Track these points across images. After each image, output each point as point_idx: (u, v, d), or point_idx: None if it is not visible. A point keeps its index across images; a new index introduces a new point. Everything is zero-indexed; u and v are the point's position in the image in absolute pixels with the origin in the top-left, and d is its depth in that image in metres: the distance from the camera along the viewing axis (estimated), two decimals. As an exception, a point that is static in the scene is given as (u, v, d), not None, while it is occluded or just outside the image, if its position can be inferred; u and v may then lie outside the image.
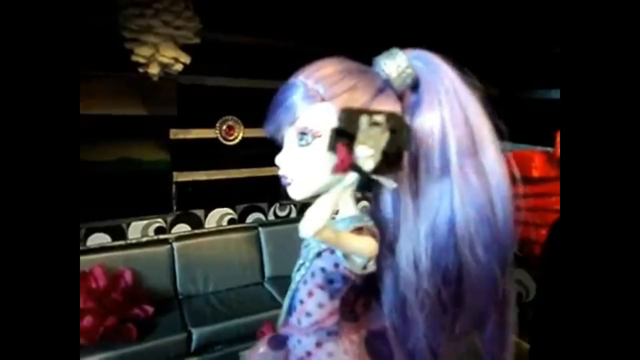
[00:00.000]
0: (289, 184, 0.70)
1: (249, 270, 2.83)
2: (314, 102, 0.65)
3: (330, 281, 0.71)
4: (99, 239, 2.66)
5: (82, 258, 2.42)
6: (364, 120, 0.57)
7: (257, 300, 2.61)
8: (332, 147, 0.59)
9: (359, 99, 0.65)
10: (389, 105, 0.66)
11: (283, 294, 2.81)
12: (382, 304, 0.74)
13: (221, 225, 3.05)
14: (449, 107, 0.66)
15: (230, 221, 3.10)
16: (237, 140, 3.01)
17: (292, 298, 0.77)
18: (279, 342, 0.81)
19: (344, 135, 0.57)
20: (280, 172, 0.72)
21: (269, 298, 2.67)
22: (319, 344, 0.73)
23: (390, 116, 0.59)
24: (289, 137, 0.69)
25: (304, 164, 0.68)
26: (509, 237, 0.65)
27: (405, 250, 0.68)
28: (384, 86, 0.68)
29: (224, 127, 2.97)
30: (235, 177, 3.06)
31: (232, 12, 2.57)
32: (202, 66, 2.16)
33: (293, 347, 0.76)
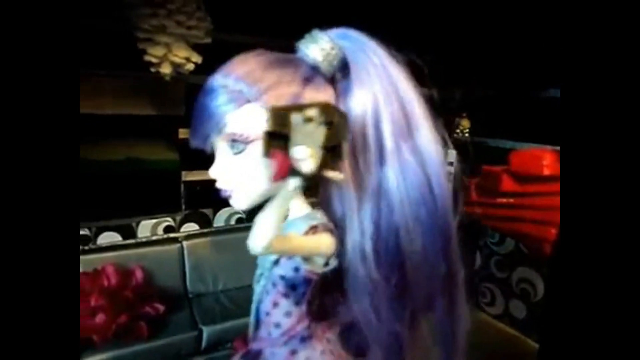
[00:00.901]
0: (230, 195, 0.66)
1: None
2: (238, 105, 0.59)
3: (292, 287, 0.69)
4: (110, 237, 2.69)
5: (94, 256, 2.45)
6: (295, 117, 0.51)
7: (266, 299, 2.63)
8: (267, 153, 0.52)
9: (286, 94, 0.60)
10: (321, 94, 0.62)
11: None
12: (347, 297, 0.72)
13: (231, 224, 3.06)
14: (379, 84, 0.63)
15: (239, 220, 3.11)
16: (245, 140, 3.03)
17: (257, 310, 0.74)
18: (253, 357, 0.78)
19: (277, 138, 0.51)
20: (218, 185, 0.67)
21: (278, 296, 2.69)
22: (293, 352, 0.71)
23: (324, 108, 0.53)
24: (220, 146, 0.64)
25: (240, 172, 0.63)
26: (447, 216, 0.64)
27: (351, 242, 0.65)
28: (312, 74, 0.63)
29: (232, 126, 2.98)
30: (243, 176, 3.08)
31: (239, 11, 2.58)
32: (210, 66, 2.16)
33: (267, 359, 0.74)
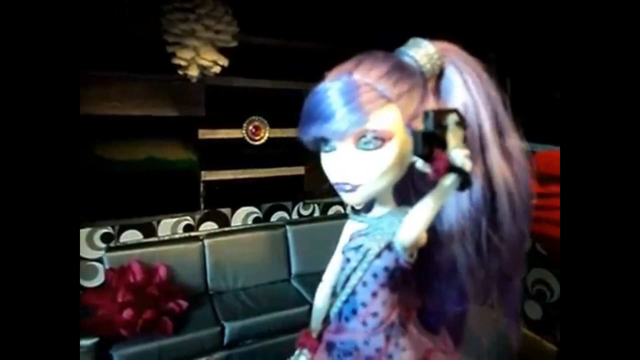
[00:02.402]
0: (352, 190, 0.68)
1: (276, 267, 2.90)
2: (380, 105, 0.63)
3: (391, 277, 0.72)
4: (132, 235, 2.75)
5: (118, 254, 2.51)
6: (450, 120, 0.56)
7: (285, 297, 2.67)
8: (423, 151, 0.56)
9: (416, 98, 0.65)
10: (432, 100, 0.68)
11: (309, 290, 2.87)
12: (418, 282, 0.79)
13: (248, 224, 3.12)
14: (477, 93, 0.68)
15: (256, 219, 3.16)
16: (263, 140, 3.08)
17: (347, 302, 0.76)
18: (331, 348, 0.81)
19: (432, 139, 0.55)
20: (339, 179, 0.69)
21: (296, 294, 2.73)
22: (388, 339, 0.74)
23: (459, 112, 0.58)
24: (345, 141, 0.66)
25: (373, 168, 0.66)
26: (529, 208, 0.71)
27: (454, 229, 0.71)
28: (424, 79, 0.68)
29: (251, 127, 3.04)
30: (260, 177, 3.13)
31: (259, 14, 2.63)
32: (229, 68, 2.22)
33: (356, 349, 0.76)
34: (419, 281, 0.79)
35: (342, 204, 3.52)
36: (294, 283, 2.89)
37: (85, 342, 1.99)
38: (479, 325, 0.79)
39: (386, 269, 0.72)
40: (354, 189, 0.68)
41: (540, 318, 2.73)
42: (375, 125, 0.64)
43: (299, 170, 3.23)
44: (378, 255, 0.71)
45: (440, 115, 0.57)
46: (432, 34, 0.73)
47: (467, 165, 0.55)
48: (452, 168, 0.56)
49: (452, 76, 0.70)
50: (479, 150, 0.68)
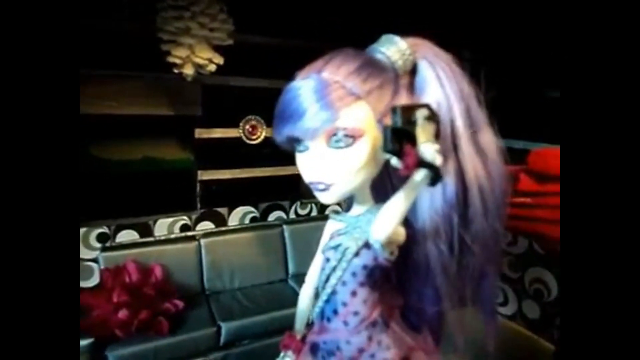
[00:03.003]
0: (325, 189, 0.68)
1: (273, 267, 2.89)
2: (349, 102, 0.63)
3: (370, 275, 0.72)
4: (128, 235, 2.73)
5: (114, 254, 2.50)
6: (419, 115, 0.55)
7: (282, 297, 2.66)
8: (392, 148, 0.56)
9: (387, 94, 0.65)
10: (405, 96, 0.67)
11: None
12: (398, 283, 0.79)
13: (245, 223, 3.11)
14: (449, 88, 0.68)
15: (253, 219, 3.15)
16: (259, 140, 3.07)
17: (328, 302, 0.76)
18: (315, 349, 0.82)
19: (401, 134, 0.55)
20: (312, 179, 0.69)
21: (293, 294, 2.72)
22: (370, 338, 0.74)
23: (430, 107, 0.58)
24: (317, 140, 0.66)
25: (344, 166, 0.66)
26: (503, 204, 0.71)
27: (427, 227, 0.70)
28: (396, 77, 0.68)
29: (247, 126, 3.02)
30: (257, 176, 3.11)
31: (255, 13, 2.62)
32: (226, 67, 2.21)
33: (337, 349, 0.76)
34: (399, 279, 0.79)
35: (339, 203, 3.50)
36: (291, 283, 2.87)
37: (80, 343, 1.98)
38: (457, 323, 0.79)
39: (365, 267, 0.71)
40: (327, 187, 0.68)
41: (538, 317, 2.72)
42: (345, 123, 0.63)
43: (296, 169, 3.20)
44: (356, 254, 0.71)
45: (408, 110, 0.56)
46: (414, 31, 0.72)
47: (437, 159, 0.55)
48: (422, 163, 0.55)
49: (425, 72, 0.69)
50: (451, 146, 0.67)
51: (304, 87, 0.64)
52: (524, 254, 2.79)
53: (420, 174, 0.56)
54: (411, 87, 0.71)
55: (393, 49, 0.68)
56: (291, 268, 2.96)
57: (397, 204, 0.58)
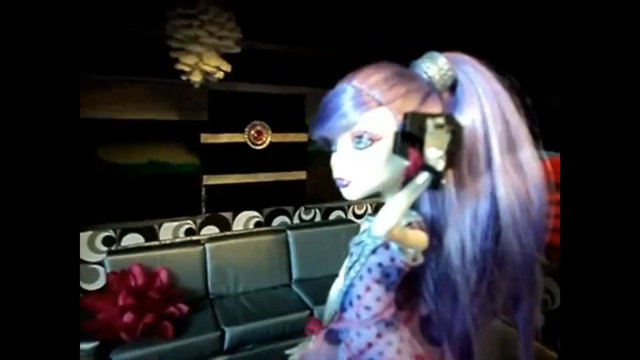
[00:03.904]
0: (346, 185, 0.74)
1: (277, 271, 2.90)
2: (370, 108, 0.68)
3: (386, 275, 0.75)
4: (133, 239, 2.76)
5: (119, 257, 2.52)
6: (430, 123, 0.59)
7: (286, 302, 2.67)
8: (400, 150, 0.61)
9: (411, 103, 0.69)
10: (436, 107, 0.70)
11: (310, 295, 2.86)
12: (424, 291, 0.79)
13: (249, 228, 3.13)
14: (488, 105, 0.69)
15: (257, 224, 3.17)
16: (265, 145, 3.09)
17: (346, 294, 0.81)
18: (332, 337, 0.86)
19: (410, 139, 0.60)
20: (336, 175, 0.75)
21: (297, 299, 2.73)
22: (379, 335, 0.77)
23: (449, 118, 0.61)
24: (343, 141, 0.72)
25: (362, 166, 0.71)
26: (543, 224, 0.70)
27: (453, 239, 0.71)
28: (430, 90, 0.72)
29: (253, 132, 3.05)
30: (262, 181, 3.13)
31: (262, 20, 2.65)
32: (232, 73, 2.24)
33: (350, 340, 0.79)
34: (426, 289, 0.80)
35: (343, 209, 3.52)
36: (295, 288, 2.88)
37: (85, 346, 2.00)
38: (485, 350, 0.78)
39: (380, 265, 0.75)
40: (347, 184, 0.74)
41: (542, 326, 2.72)
42: (366, 127, 0.69)
43: (301, 174, 3.24)
44: (374, 251, 0.76)
45: (419, 117, 0.60)
46: (440, 44, 0.75)
47: (438, 164, 0.58)
48: (425, 167, 0.58)
49: (465, 88, 0.72)
50: (485, 164, 0.68)
51: (335, 93, 0.72)
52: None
53: (422, 177, 0.59)
54: (452, 103, 0.73)
55: (431, 66, 0.72)
56: (295, 273, 2.97)
57: (396, 204, 0.60)
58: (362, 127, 0.69)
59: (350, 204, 3.50)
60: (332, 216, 3.47)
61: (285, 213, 3.30)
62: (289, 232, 3.02)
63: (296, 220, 3.33)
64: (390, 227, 0.59)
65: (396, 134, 0.62)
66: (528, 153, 0.69)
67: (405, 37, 2.64)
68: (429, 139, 0.58)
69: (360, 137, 0.70)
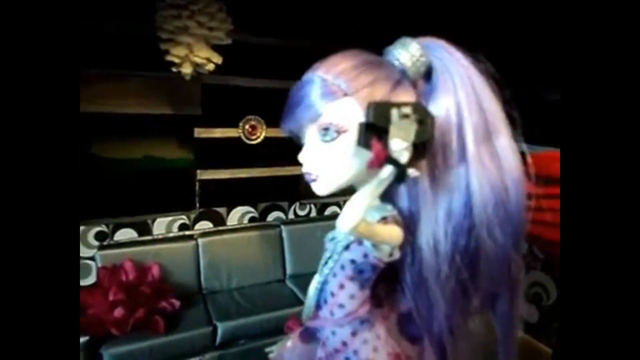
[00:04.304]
0: (314, 180, 0.70)
1: (271, 267, 2.88)
2: (336, 98, 0.65)
3: (360, 272, 0.72)
4: (126, 234, 2.74)
5: (112, 252, 2.50)
6: (394, 113, 0.56)
7: (279, 297, 2.65)
8: (364, 142, 0.58)
9: (379, 92, 0.65)
10: (407, 96, 0.67)
11: (304, 291, 2.83)
12: (404, 287, 0.76)
13: (244, 223, 3.11)
14: (464, 93, 0.66)
15: (252, 219, 3.15)
16: (259, 140, 3.07)
17: (321, 291, 0.78)
18: (309, 335, 0.83)
19: (374, 130, 0.57)
20: (304, 169, 0.71)
21: (291, 295, 2.71)
22: (354, 334, 0.74)
23: (416, 107, 0.58)
24: (311, 134, 0.69)
25: (329, 159, 0.68)
26: (521, 219, 0.67)
27: (425, 235, 0.69)
28: (401, 77, 0.68)
29: (247, 126, 3.02)
30: (257, 176, 3.11)
31: (256, 13, 2.62)
32: (226, 67, 2.22)
33: (326, 338, 0.77)
34: (404, 285, 0.77)
35: (338, 204, 3.50)
36: (289, 283, 2.87)
37: (75, 341, 1.98)
38: (464, 347, 0.75)
39: (353, 261, 0.72)
40: (315, 178, 0.70)
41: (536, 321, 2.70)
42: (331, 118, 0.66)
43: (296, 170, 3.20)
44: (347, 247, 0.73)
45: (382, 107, 0.57)
46: (427, 32, 0.71)
47: (402, 157, 0.56)
48: (389, 159, 0.56)
49: (438, 75, 0.69)
50: (459, 154, 0.66)
51: (299, 85, 0.69)
52: (523, 257, 2.77)
53: (386, 170, 0.57)
54: (425, 91, 0.70)
55: (404, 52, 0.69)
56: (289, 268, 2.96)
57: (360, 198, 0.58)
58: (328, 118, 0.65)
59: (345, 199, 3.46)
60: (328, 211, 3.45)
61: (280, 208, 3.28)
62: (282, 227, 3.01)
63: (291, 216, 3.31)
64: (354, 224, 0.56)
65: (360, 125, 0.59)
66: (505, 142, 0.67)
67: (400, 30, 2.62)
68: (393, 130, 0.56)
69: (326, 129, 0.66)
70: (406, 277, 0.76)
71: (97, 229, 2.66)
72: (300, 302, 2.59)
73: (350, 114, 0.65)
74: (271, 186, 3.17)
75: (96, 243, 2.63)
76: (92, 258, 2.57)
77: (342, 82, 0.65)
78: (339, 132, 0.66)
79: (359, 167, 0.69)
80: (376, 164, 0.56)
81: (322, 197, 3.50)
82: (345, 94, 0.65)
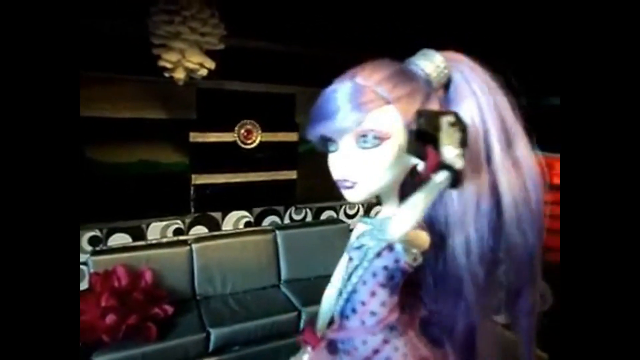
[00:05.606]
0: (351, 187, 0.71)
1: (265, 272, 2.86)
2: (378, 106, 0.66)
3: (391, 277, 0.74)
4: (120, 239, 2.72)
5: (104, 257, 2.48)
6: (444, 121, 0.58)
7: (274, 303, 2.64)
8: (415, 150, 0.60)
9: (417, 101, 0.68)
10: (436, 105, 0.70)
11: (299, 296, 2.82)
12: (422, 292, 0.79)
13: (239, 228, 3.09)
14: (486, 103, 0.70)
15: (247, 224, 3.14)
16: (254, 144, 3.06)
17: (347, 301, 0.78)
18: (332, 347, 0.83)
19: (425, 137, 0.58)
20: (339, 176, 0.72)
21: (285, 300, 2.69)
22: (386, 341, 0.75)
23: (457, 115, 0.61)
24: (347, 140, 0.70)
25: (369, 166, 0.69)
26: (542, 219, 0.71)
27: (458, 238, 0.71)
28: (428, 87, 0.71)
29: (242, 131, 3.01)
30: (252, 181, 3.10)
31: (250, 18, 2.62)
32: (221, 71, 2.21)
33: (354, 348, 0.77)
34: (425, 290, 0.79)
35: (334, 209, 3.49)
36: (283, 289, 2.85)
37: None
38: (488, 345, 0.77)
39: (385, 268, 0.73)
40: (352, 185, 0.71)
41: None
42: (373, 125, 0.67)
43: (291, 174, 3.20)
44: (378, 255, 0.73)
45: (432, 115, 0.59)
46: (434, 43, 0.75)
47: (457, 163, 0.57)
48: (443, 165, 0.57)
49: (459, 86, 0.72)
50: (484, 159, 0.69)
51: (337, 91, 0.69)
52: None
53: (441, 176, 0.58)
54: (446, 101, 0.73)
55: (429, 63, 0.72)
56: (283, 274, 2.94)
57: (415, 204, 0.59)
58: (370, 125, 0.66)
59: (342, 204, 3.47)
60: (324, 216, 3.43)
61: (276, 213, 3.26)
62: (277, 232, 2.99)
63: (287, 220, 3.30)
64: (408, 229, 0.58)
65: (411, 132, 0.61)
66: (524, 150, 0.70)
67: (396, 36, 2.62)
68: (444, 138, 0.57)
69: (365, 135, 0.67)
70: (428, 281, 0.78)
71: (91, 233, 2.64)
72: (295, 308, 2.57)
73: (392, 121, 0.67)
74: (267, 191, 3.16)
75: (90, 248, 2.61)
76: (84, 263, 2.56)
77: (383, 91, 0.67)
78: (380, 139, 0.67)
79: (395, 175, 0.72)
80: (431, 170, 0.58)
81: (318, 202, 3.51)
82: (387, 102, 0.67)
